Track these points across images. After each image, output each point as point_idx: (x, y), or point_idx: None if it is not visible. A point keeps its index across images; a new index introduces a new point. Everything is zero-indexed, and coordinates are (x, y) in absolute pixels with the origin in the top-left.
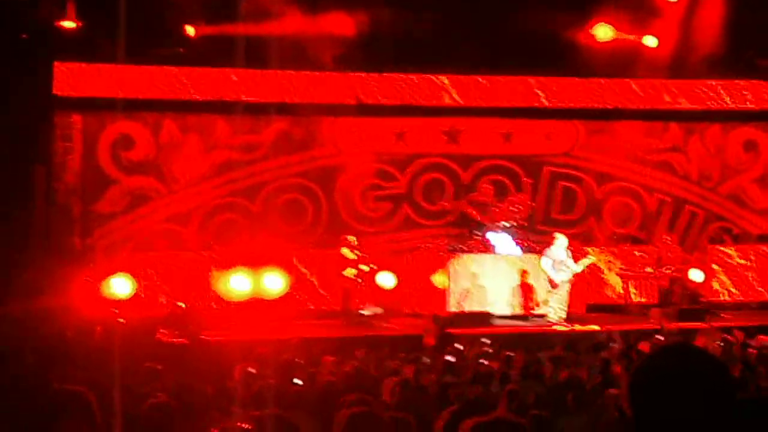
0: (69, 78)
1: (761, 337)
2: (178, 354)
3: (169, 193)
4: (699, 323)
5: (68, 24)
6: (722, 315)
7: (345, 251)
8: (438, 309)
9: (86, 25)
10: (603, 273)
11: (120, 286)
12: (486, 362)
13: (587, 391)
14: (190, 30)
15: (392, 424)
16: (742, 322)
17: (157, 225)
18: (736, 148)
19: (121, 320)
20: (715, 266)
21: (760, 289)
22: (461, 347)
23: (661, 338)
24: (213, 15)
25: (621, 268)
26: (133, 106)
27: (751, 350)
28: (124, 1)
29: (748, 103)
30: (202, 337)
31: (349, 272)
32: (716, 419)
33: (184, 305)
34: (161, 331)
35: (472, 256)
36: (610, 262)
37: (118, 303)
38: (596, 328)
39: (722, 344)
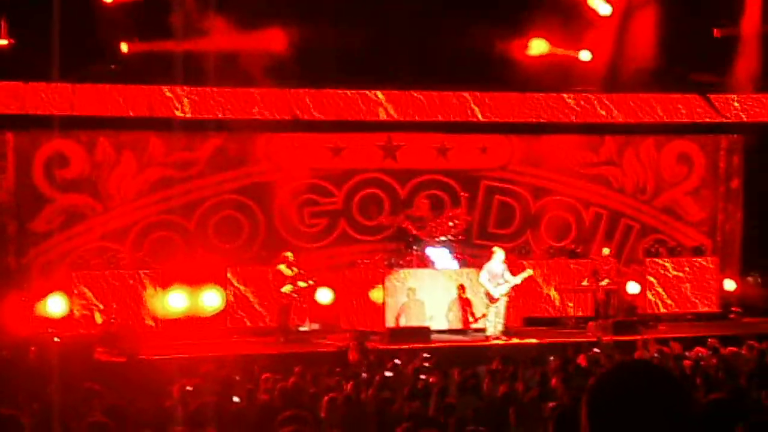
0: (2, 96)
1: (698, 348)
2: (115, 373)
3: (104, 211)
4: (635, 335)
5: (0, 42)
6: (658, 327)
7: (282, 267)
8: (367, 325)
9: (19, 42)
10: (540, 287)
11: (55, 305)
12: (424, 377)
13: (525, 404)
14: (123, 47)
15: None
16: (677, 334)
17: (92, 243)
18: (670, 161)
19: (57, 339)
20: (650, 278)
21: (695, 300)
22: (398, 362)
23: (598, 351)
24: (147, 31)
25: (558, 282)
26: (67, 124)
27: (686, 361)
28: (57, 19)
29: (681, 116)
30: (140, 355)
31: (287, 288)
32: None
33: (119, 323)
34: (98, 349)
35: (409, 270)
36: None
37: (54, 322)
38: (534, 341)
39: (658, 356)
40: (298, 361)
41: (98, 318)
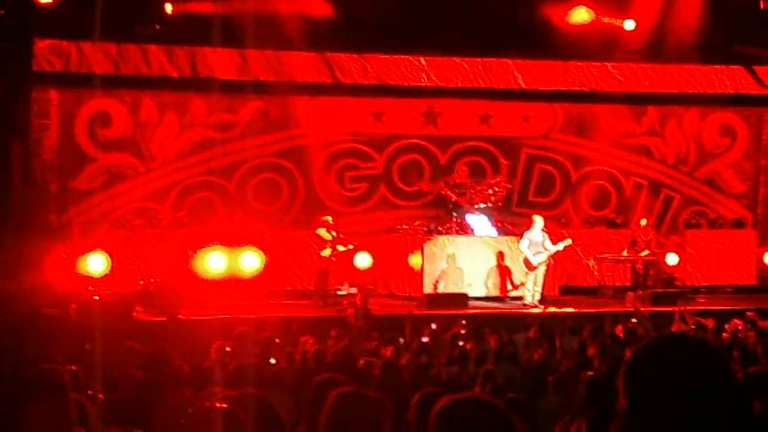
0: (47, 54)
1: (735, 321)
2: (154, 332)
3: (146, 171)
4: (673, 307)
5: (46, 0)
6: (697, 299)
7: (321, 231)
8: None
9: (64, 1)
10: (579, 256)
11: (96, 264)
12: (462, 343)
13: (562, 373)
14: (167, 8)
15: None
16: (715, 306)
17: (134, 203)
18: (713, 132)
19: (97, 297)
20: (690, 250)
21: (734, 273)
22: (435, 327)
23: (636, 321)
24: None
25: (596, 252)
26: (111, 84)
27: (724, 334)
28: None
29: (725, 88)
30: (179, 315)
31: (326, 252)
32: (714, 409)
33: (158, 283)
34: (137, 308)
35: (449, 237)
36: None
37: (94, 280)
38: (571, 310)
39: (696, 328)
40: (336, 324)
41: (139, 278)
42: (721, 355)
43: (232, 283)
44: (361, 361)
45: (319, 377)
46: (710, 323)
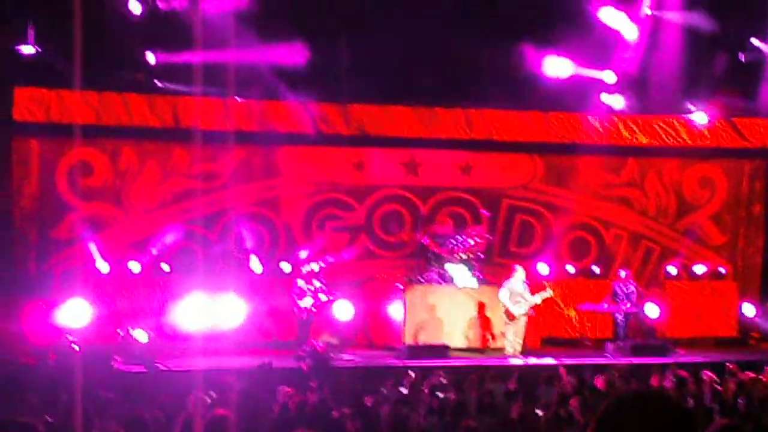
0: (28, 103)
1: (707, 372)
2: (133, 382)
3: (126, 221)
4: (653, 358)
5: (28, 49)
6: (677, 350)
7: (301, 282)
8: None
9: (46, 50)
10: (559, 307)
11: (75, 313)
12: (441, 395)
13: (542, 426)
14: (150, 57)
15: None
16: (695, 358)
17: (114, 252)
18: (693, 184)
19: (76, 347)
20: (670, 301)
21: (713, 324)
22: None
23: (616, 373)
24: (172, 42)
25: (577, 303)
26: (92, 133)
27: (704, 387)
28: (84, 27)
29: (705, 140)
30: (159, 365)
31: (306, 302)
32: None
33: (140, 333)
34: (116, 358)
35: (429, 287)
36: (566, 295)
37: (74, 330)
38: (551, 361)
39: (675, 380)
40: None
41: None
42: (686, 412)
43: (213, 333)
44: (336, 414)
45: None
46: (687, 375)
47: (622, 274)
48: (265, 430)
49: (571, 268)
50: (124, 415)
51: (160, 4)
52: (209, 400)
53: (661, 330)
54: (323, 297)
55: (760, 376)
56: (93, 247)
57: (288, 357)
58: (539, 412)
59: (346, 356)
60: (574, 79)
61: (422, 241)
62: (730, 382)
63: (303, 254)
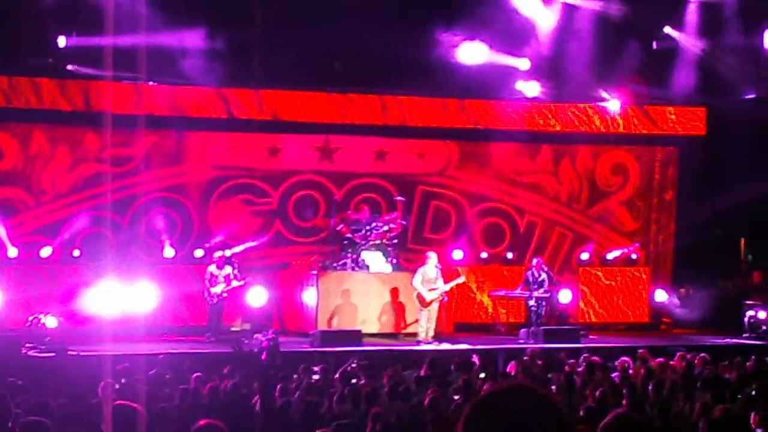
0: None
1: (623, 358)
2: (43, 369)
3: (36, 206)
4: (565, 343)
5: None
6: (589, 335)
7: (212, 268)
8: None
9: None
10: (473, 293)
11: None
12: (354, 381)
13: (450, 412)
14: (61, 41)
15: None
16: (607, 343)
17: (24, 237)
18: (606, 171)
19: None
20: (583, 287)
21: (626, 310)
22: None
23: (527, 359)
24: (84, 25)
25: (490, 289)
26: (2, 116)
27: (614, 373)
28: None
29: (617, 127)
30: (69, 351)
31: (217, 288)
32: None
33: (50, 319)
34: (26, 345)
35: (343, 273)
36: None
37: None
38: (465, 346)
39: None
40: (228, 361)
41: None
42: (556, 406)
43: (124, 319)
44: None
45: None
46: (599, 360)
47: (534, 261)
48: (174, 417)
49: (484, 254)
50: (32, 402)
51: None
52: (118, 387)
53: (573, 315)
54: (236, 283)
55: (671, 362)
56: (2, 232)
57: (198, 343)
58: (451, 398)
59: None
60: (488, 66)
61: (336, 227)
62: (641, 368)
63: (216, 240)
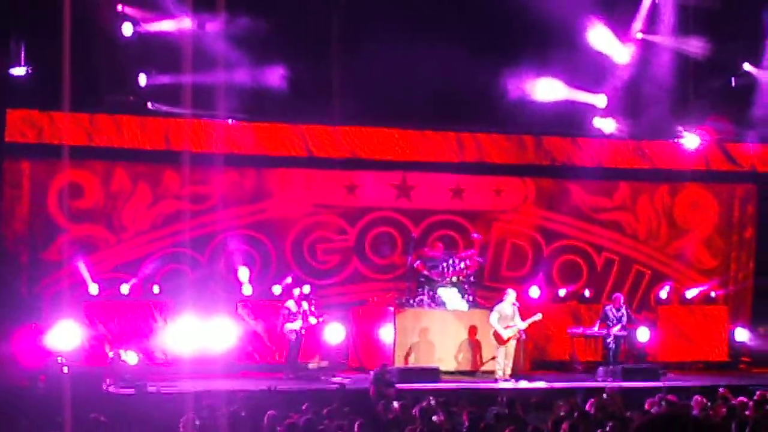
0: (19, 125)
1: (697, 397)
2: (123, 405)
3: (117, 243)
4: (643, 382)
5: (19, 71)
6: (667, 374)
7: (290, 304)
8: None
9: (37, 71)
10: (550, 330)
11: (66, 335)
12: (434, 418)
13: None
14: (141, 79)
15: None
16: (686, 383)
17: (105, 274)
18: (684, 208)
19: (67, 370)
20: (661, 325)
21: (704, 348)
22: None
23: (606, 397)
24: (163, 64)
25: (568, 326)
26: (83, 154)
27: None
28: (75, 49)
29: (697, 164)
30: (148, 388)
31: (294, 325)
32: None
33: (131, 355)
34: (107, 381)
35: (420, 310)
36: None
37: (64, 352)
38: (542, 385)
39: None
40: (306, 398)
41: (109, 350)
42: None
43: (203, 356)
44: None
45: None
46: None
47: (613, 298)
48: None
49: (562, 292)
50: None
51: (151, 26)
52: (198, 423)
53: (651, 354)
54: (313, 320)
55: (750, 402)
56: (83, 269)
57: (276, 380)
58: None
59: (336, 379)
60: (565, 103)
61: (413, 264)
62: (721, 406)
63: (293, 277)
